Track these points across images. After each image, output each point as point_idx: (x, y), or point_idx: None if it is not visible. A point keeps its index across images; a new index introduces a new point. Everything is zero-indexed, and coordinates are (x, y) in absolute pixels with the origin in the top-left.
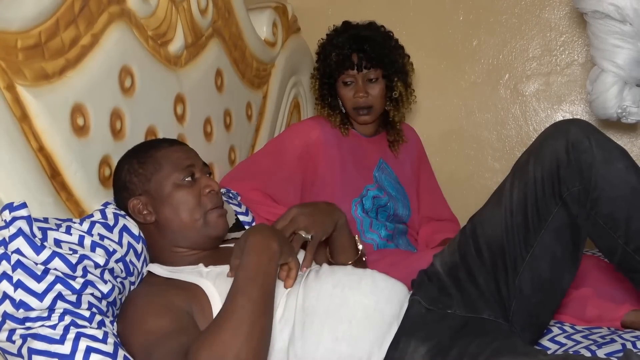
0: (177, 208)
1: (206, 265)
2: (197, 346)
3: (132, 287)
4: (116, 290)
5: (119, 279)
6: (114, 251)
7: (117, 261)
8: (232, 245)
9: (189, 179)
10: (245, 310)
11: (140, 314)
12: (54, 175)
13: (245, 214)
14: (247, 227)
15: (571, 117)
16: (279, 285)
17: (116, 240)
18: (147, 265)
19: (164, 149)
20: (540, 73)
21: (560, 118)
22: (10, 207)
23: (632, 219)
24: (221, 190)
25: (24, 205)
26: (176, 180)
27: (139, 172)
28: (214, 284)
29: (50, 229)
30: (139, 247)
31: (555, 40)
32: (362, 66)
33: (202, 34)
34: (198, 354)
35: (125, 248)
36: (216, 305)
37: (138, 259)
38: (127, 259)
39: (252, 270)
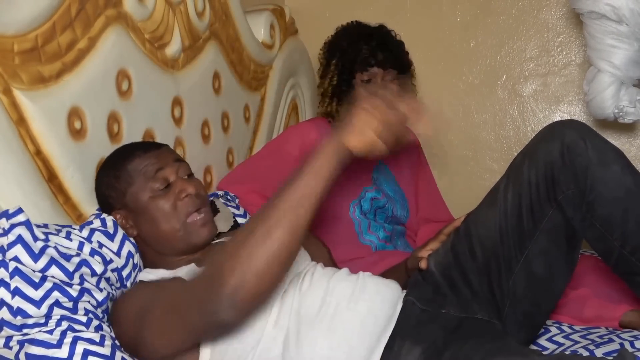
0: (155, 219)
1: (199, 266)
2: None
3: None
4: (109, 296)
5: (113, 287)
6: (111, 260)
7: (113, 270)
8: (225, 241)
9: (163, 187)
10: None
11: (121, 305)
12: (51, 178)
13: (244, 216)
14: None
15: (569, 118)
16: None
17: (115, 250)
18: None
19: (136, 159)
20: (537, 74)
21: (558, 118)
22: (6, 214)
23: (628, 221)
24: (219, 193)
25: (20, 211)
26: (150, 191)
27: (115, 187)
28: None
29: (51, 233)
30: (137, 256)
31: (553, 41)
32: (387, 65)
33: (199, 36)
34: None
35: (123, 259)
36: None
37: (134, 269)
38: (124, 272)
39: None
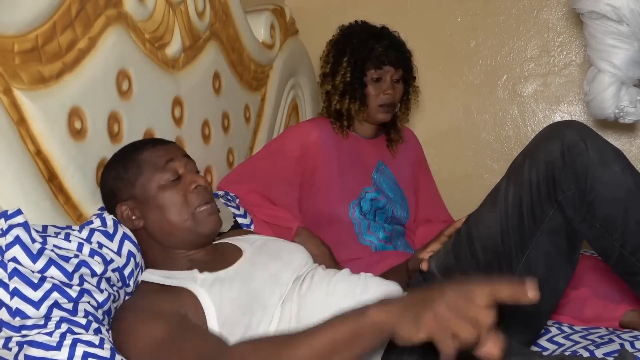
0: (164, 209)
1: (201, 271)
2: None
3: (127, 297)
4: (111, 298)
5: (115, 288)
6: (112, 260)
7: (114, 270)
8: (227, 241)
9: (173, 178)
10: None
11: (132, 324)
12: (51, 178)
13: (244, 216)
14: (245, 229)
15: (569, 118)
16: (273, 296)
17: (115, 249)
18: (142, 272)
19: (146, 151)
20: (538, 74)
21: (559, 119)
22: (5, 215)
23: (628, 222)
24: (219, 193)
25: (19, 212)
26: (160, 182)
27: (123, 178)
28: (208, 292)
29: (49, 236)
30: (138, 255)
31: (553, 41)
32: (398, 65)
33: (199, 36)
34: None
35: (124, 258)
36: (210, 315)
37: (136, 268)
38: (125, 270)
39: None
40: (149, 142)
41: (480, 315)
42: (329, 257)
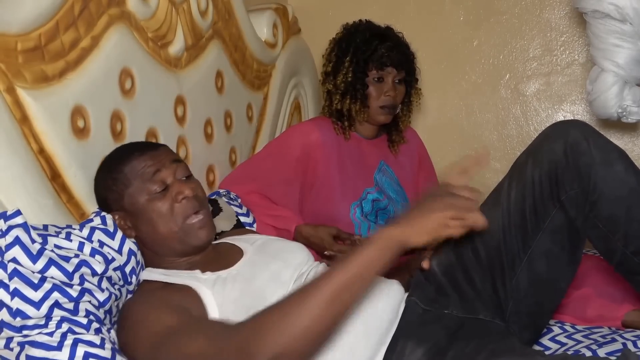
0: (153, 222)
1: (203, 271)
2: (258, 334)
3: (129, 295)
4: (112, 297)
5: (116, 286)
6: (113, 259)
7: (115, 269)
8: (227, 241)
9: (160, 189)
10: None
11: (139, 318)
12: (54, 177)
13: (246, 215)
14: (247, 228)
15: (572, 117)
16: (275, 294)
17: (116, 247)
18: (143, 270)
19: (133, 161)
20: (540, 73)
21: (561, 118)
22: (4, 216)
23: (631, 221)
24: (221, 192)
25: (18, 213)
26: (147, 194)
27: (113, 189)
28: (212, 291)
29: (50, 235)
30: (139, 254)
31: (556, 40)
32: (400, 66)
33: (202, 35)
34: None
35: (125, 257)
36: (212, 314)
37: (137, 265)
38: (127, 268)
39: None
40: (137, 149)
41: (466, 202)
42: (329, 238)
